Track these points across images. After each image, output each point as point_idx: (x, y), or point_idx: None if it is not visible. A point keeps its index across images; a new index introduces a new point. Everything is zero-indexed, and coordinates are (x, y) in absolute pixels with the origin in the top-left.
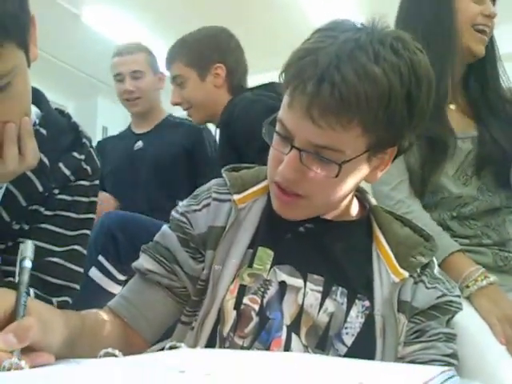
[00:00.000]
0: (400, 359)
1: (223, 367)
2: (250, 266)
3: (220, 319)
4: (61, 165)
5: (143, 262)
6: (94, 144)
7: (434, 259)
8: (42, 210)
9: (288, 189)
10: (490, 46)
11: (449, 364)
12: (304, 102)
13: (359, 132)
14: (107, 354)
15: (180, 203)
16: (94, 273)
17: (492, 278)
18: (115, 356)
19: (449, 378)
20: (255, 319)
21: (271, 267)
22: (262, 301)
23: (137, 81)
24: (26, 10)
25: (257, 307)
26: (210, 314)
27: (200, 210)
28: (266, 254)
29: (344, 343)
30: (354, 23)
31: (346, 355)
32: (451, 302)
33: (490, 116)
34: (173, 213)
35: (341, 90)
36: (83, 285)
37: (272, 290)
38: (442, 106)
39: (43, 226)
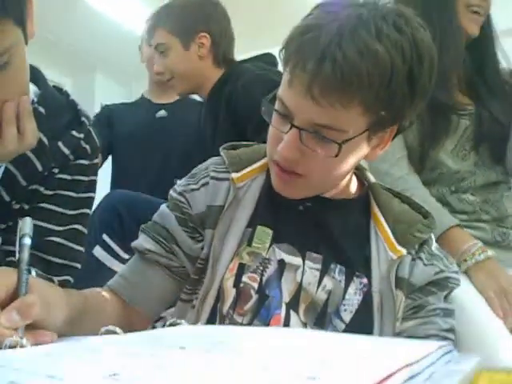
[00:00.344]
0: (397, 334)
1: (224, 343)
2: (249, 244)
3: (220, 297)
4: (60, 144)
5: (142, 241)
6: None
7: (432, 236)
8: (41, 189)
9: (287, 168)
10: (487, 26)
11: (446, 338)
12: (305, 81)
13: (360, 111)
14: (108, 332)
15: (178, 182)
16: (99, 251)
17: (490, 252)
18: (116, 333)
19: (446, 352)
20: (254, 297)
21: (270, 245)
22: (261, 279)
23: None
24: None
25: (256, 285)
26: (210, 293)
27: (198, 189)
28: (265, 233)
29: (342, 320)
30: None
31: (344, 331)
32: (449, 278)
33: (487, 94)
34: (171, 192)
35: (342, 69)
36: (87, 263)
37: (271, 269)
38: (448, 77)
39: (43, 205)
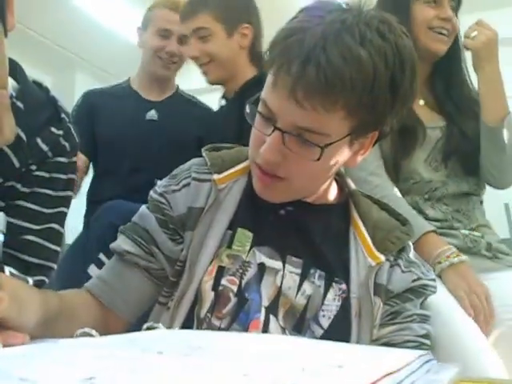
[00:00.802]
0: (375, 341)
1: (202, 348)
2: (229, 247)
3: (197, 300)
4: (38, 140)
5: (121, 243)
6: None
7: (410, 243)
8: (18, 186)
9: (269, 170)
10: (456, 47)
11: (422, 344)
12: (288, 83)
13: (343, 115)
14: (84, 334)
15: (158, 183)
16: (94, 271)
17: (464, 256)
18: (91, 336)
19: (426, 361)
20: (233, 300)
21: (251, 248)
22: (240, 282)
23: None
24: None
25: (235, 288)
26: (186, 295)
27: (179, 190)
28: (245, 236)
29: (321, 325)
30: (340, 4)
31: (322, 337)
32: (426, 285)
33: (457, 113)
34: (151, 193)
35: (326, 72)
36: (83, 282)
37: (251, 272)
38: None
39: (19, 202)
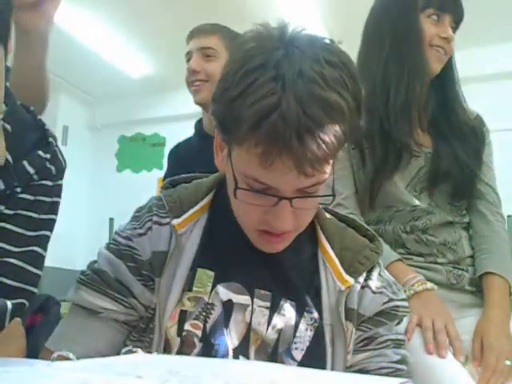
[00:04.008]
0: (349, 367)
1: (181, 373)
2: (190, 289)
3: (166, 347)
4: (25, 163)
5: (94, 299)
6: None
7: (380, 261)
8: (1, 208)
9: (282, 232)
10: (450, 68)
11: (397, 370)
12: (292, 161)
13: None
14: (60, 357)
15: (119, 226)
16: None
17: (429, 284)
18: (69, 359)
19: None
20: (198, 346)
21: (213, 288)
22: (204, 326)
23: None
24: (10, 5)
25: (199, 333)
26: (155, 342)
27: (145, 233)
28: (206, 275)
29: (294, 358)
30: (272, 53)
31: None
32: (398, 306)
33: (450, 134)
34: (116, 237)
35: (323, 139)
36: None
37: (215, 314)
38: (411, 114)
39: (2, 225)
